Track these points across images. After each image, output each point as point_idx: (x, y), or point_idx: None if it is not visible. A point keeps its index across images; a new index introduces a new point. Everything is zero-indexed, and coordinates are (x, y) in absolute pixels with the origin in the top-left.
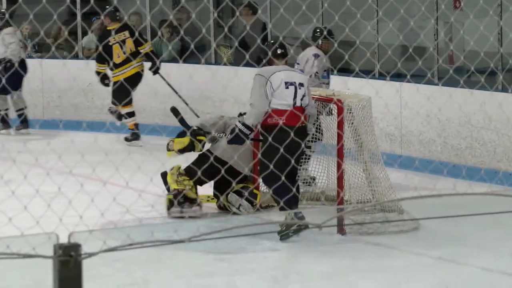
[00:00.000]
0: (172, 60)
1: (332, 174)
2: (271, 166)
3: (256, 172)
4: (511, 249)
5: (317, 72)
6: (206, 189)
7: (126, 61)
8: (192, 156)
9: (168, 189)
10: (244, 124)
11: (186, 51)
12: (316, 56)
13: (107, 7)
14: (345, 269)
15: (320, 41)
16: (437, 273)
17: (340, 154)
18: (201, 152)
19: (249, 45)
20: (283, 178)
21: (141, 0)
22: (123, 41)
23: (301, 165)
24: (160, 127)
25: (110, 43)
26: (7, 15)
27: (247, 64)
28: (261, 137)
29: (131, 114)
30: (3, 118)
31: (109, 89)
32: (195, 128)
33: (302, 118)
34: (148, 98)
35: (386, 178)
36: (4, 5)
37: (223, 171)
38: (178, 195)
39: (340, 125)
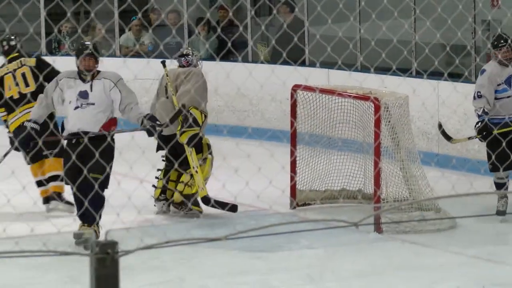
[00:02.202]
0: (209, 58)
1: (369, 172)
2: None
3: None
4: None
5: (478, 92)
6: None
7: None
8: None
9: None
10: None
11: (223, 49)
12: (481, 72)
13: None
14: (381, 268)
15: (493, 51)
16: (473, 272)
17: (377, 153)
18: None
19: (286, 43)
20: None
21: None
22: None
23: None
24: None
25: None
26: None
27: (284, 62)
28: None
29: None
30: None
31: (147, 87)
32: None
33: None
34: None
35: (423, 176)
36: (42, 4)
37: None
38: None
39: (377, 123)
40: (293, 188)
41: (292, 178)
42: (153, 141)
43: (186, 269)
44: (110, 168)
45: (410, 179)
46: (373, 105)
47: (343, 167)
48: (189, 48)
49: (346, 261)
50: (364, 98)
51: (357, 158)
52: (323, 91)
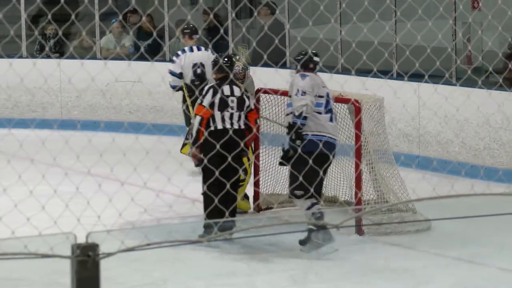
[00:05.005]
0: None
1: (332, 174)
2: None
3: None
4: None
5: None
6: None
7: None
8: None
9: None
10: None
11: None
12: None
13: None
14: (365, 270)
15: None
16: (455, 274)
17: (357, 155)
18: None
19: (267, 45)
20: None
21: (159, 0)
22: None
23: None
24: (178, 127)
25: None
26: None
27: (265, 64)
28: None
29: None
30: None
31: (128, 89)
32: None
33: None
34: (165, 98)
35: (398, 178)
36: (23, 6)
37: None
38: None
39: (357, 125)
40: (256, 192)
41: (256, 181)
42: (134, 144)
43: (169, 271)
44: None
45: (379, 180)
46: (337, 106)
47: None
48: (234, 54)
49: (329, 263)
50: (345, 100)
51: None
52: (285, 93)
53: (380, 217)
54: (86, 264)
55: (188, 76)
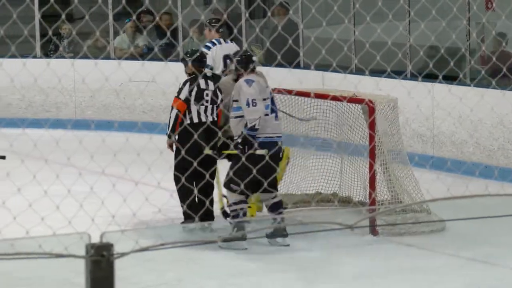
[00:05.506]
0: None
1: (346, 174)
2: None
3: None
4: None
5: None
6: None
7: None
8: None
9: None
10: None
11: None
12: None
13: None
14: (378, 270)
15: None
16: (469, 274)
17: (372, 155)
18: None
19: (281, 46)
20: None
21: (173, 0)
22: None
23: None
24: None
25: None
26: None
27: (279, 65)
28: None
29: None
30: None
31: (141, 88)
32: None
33: None
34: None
35: (412, 178)
36: (37, 6)
37: None
38: None
39: (371, 125)
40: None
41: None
42: (148, 144)
43: (183, 270)
44: None
45: (394, 181)
46: (351, 106)
47: (320, 169)
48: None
49: (342, 264)
50: (359, 100)
51: (333, 161)
52: (300, 93)
53: (394, 218)
54: (100, 264)
55: (219, 67)
